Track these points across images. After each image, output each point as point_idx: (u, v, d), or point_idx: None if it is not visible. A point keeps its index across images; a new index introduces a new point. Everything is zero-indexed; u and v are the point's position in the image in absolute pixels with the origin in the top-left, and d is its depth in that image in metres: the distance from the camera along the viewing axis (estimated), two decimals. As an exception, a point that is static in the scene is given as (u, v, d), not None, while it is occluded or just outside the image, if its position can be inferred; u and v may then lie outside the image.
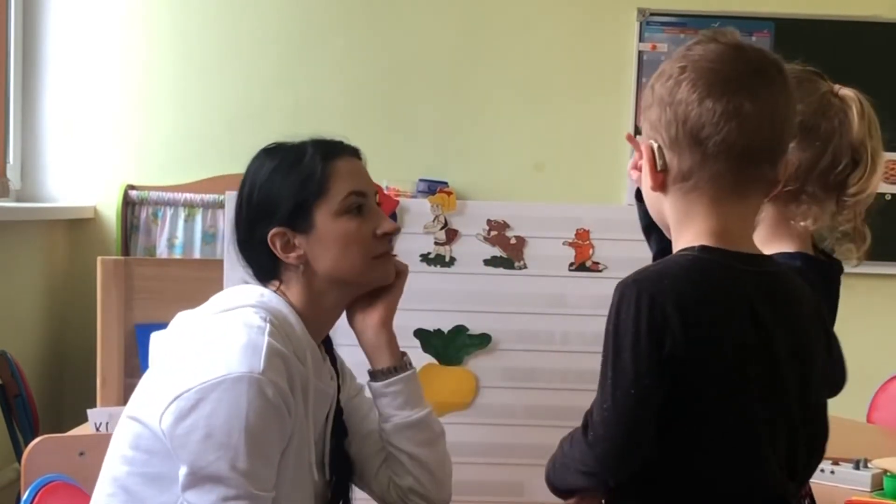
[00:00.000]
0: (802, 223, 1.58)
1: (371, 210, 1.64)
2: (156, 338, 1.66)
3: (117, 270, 2.63)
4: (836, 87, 1.61)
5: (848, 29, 4.05)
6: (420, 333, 1.96)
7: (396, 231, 1.65)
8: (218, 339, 1.49)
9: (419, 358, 1.97)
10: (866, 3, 4.11)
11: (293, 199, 1.58)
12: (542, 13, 4.12)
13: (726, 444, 1.26)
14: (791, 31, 4.01)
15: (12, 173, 3.91)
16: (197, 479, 1.43)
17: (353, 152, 1.67)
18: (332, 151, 1.63)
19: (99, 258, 2.73)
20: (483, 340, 1.97)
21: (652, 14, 4.11)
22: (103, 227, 3.99)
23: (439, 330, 1.96)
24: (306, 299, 1.60)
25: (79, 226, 3.98)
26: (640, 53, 4.11)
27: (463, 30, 4.13)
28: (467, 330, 1.97)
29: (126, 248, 3.90)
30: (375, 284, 1.67)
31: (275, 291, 1.60)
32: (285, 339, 1.52)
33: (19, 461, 2.35)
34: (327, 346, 1.69)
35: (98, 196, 4.00)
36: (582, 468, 1.28)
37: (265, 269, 1.63)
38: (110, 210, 3.95)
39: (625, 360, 1.23)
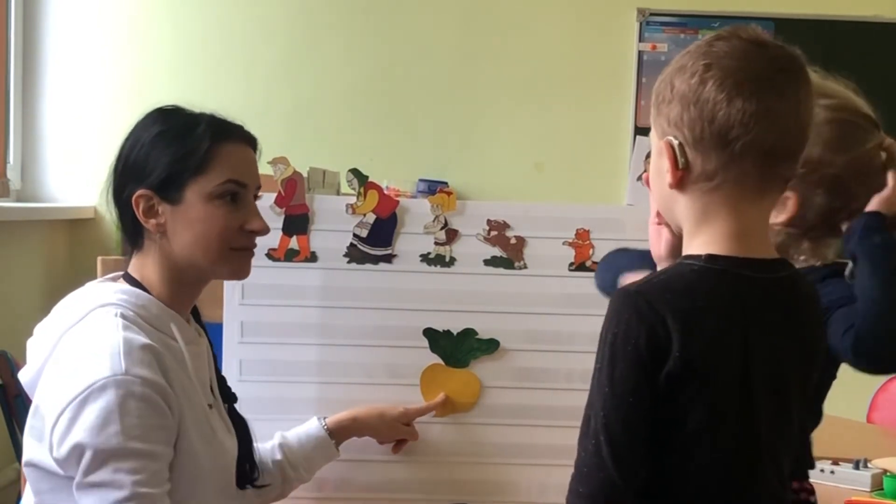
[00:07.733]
0: (801, 258, 1.55)
1: (245, 203, 1.58)
2: (23, 374, 1.66)
3: (117, 270, 2.62)
4: (887, 140, 1.55)
5: (848, 29, 4.05)
6: (429, 333, 1.96)
7: (264, 231, 1.60)
8: (76, 351, 1.47)
9: (425, 357, 1.97)
10: (866, 3, 4.11)
11: (168, 169, 1.54)
12: (542, 13, 4.13)
13: (725, 460, 1.24)
14: (791, 31, 3.94)
15: (12, 173, 3.91)
16: (85, 487, 1.40)
17: (248, 140, 1.63)
18: (225, 133, 1.59)
19: (99, 258, 2.71)
20: (491, 346, 1.96)
21: (652, 14, 4.11)
22: (103, 227, 3.98)
23: (448, 331, 1.95)
24: (163, 272, 1.56)
25: (79, 226, 3.98)
26: (640, 53, 4.11)
27: (463, 30, 4.13)
28: (476, 333, 1.96)
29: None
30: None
31: (124, 273, 1.58)
32: (141, 323, 1.48)
33: (19, 461, 2.35)
34: (194, 315, 1.64)
35: (98, 196, 3.99)
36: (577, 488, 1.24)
37: (129, 231, 1.60)
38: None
39: (621, 371, 1.21)
